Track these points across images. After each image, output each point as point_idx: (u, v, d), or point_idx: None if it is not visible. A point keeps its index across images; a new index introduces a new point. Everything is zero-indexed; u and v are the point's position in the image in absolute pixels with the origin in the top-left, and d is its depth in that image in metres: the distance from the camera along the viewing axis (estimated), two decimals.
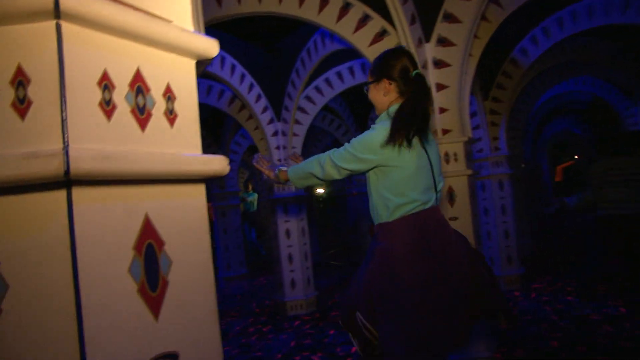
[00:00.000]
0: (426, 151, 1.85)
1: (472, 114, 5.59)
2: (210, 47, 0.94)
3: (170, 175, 0.82)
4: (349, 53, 5.49)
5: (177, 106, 0.89)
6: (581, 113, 10.73)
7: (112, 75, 0.76)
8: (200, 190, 0.91)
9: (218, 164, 0.91)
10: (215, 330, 0.86)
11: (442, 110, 3.18)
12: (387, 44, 3.33)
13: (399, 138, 1.74)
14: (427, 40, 3.27)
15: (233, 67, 5.37)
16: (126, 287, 0.72)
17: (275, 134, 5.77)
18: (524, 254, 6.23)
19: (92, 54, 0.73)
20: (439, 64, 3.19)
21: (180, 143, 0.88)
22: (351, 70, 6.01)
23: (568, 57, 6.26)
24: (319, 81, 5.95)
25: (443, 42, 3.22)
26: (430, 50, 3.20)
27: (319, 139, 11.12)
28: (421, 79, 1.86)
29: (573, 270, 4.54)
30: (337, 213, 13.11)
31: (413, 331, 1.70)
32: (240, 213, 9.00)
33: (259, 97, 5.66)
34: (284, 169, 2.08)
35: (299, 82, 5.42)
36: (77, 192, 0.67)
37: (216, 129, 8.60)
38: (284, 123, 5.76)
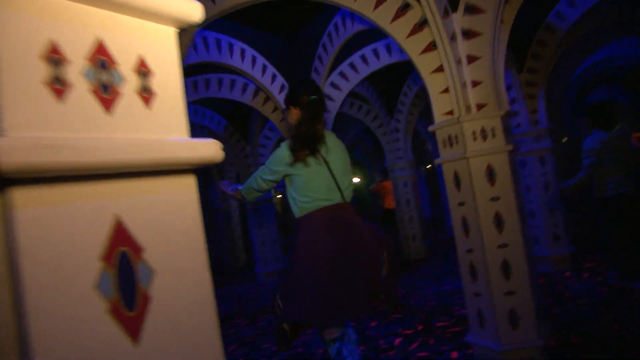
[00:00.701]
0: (325, 159, 2.29)
1: (507, 88, 5.28)
2: (192, 10, 0.78)
3: (146, 165, 0.67)
4: (373, 34, 5.27)
5: (155, 83, 0.75)
6: (626, 80, 10.08)
7: (64, 47, 0.62)
8: (188, 183, 0.76)
9: (207, 149, 0.75)
10: (216, 351, 0.71)
11: (475, 84, 2.94)
12: (410, 18, 3.11)
13: (299, 157, 2.25)
14: (454, 9, 3.03)
15: (254, 59, 5.25)
16: (93, 307, 0.58)
17: None
18: (572, 231, 5.87)
19: (32, 20, 0.60)
20: (468, 34, 2.95)
21: (159, 127, 0.74)
22: (375, 52, 5.78)
23: (609, 18, 5.82)
24: (344, 66, 5.75)
25: (471, 10, 2.97)
26: (458, 20, 2.96)
27: (350, 127, 10.93)
28: (314, 103, 2.30)
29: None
30: (375, 200, 12.90)
31: (308, 301, 2.12)
32: (274, 207, 8.95)
33: (282, 88, 5.52)
34: (239, 188, 2.59)
35: (322, 69, 5.25)
36: (18, 194, 0.54)
37: (244, 123, 8.54)
38: None
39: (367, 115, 8.39)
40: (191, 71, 6.09)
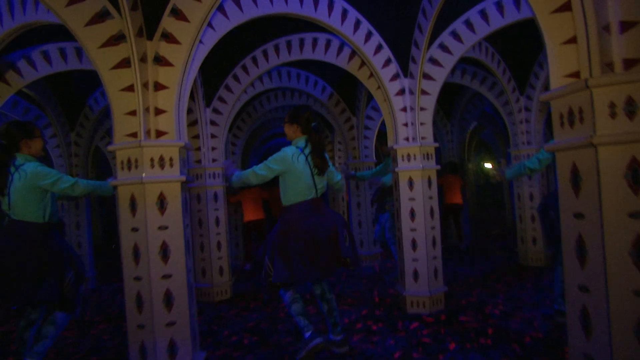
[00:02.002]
0: (310, 168, 3.26)
1: None
2: None
3: None
4: None
5: None
6: None
7: None
8: None
9: None
10: None
11: (627, 26, 1.83)
12: None
13: (316, 160, 3.29)
14: None
15: (345, 12, 4.46)
16: None
17: (401, 92, 4.73)
18: None
19: None
20: None
21: None
22: (500, 6, 4.57)
23: None
24: (457, 24, 4.66)
25: None
26: None
27: (476, 103, 9.52)
28: (316, 128, 3.35)
29: None
30: (497, 191, 11.34)
31: (293, 264, 3.11)
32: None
33: (379, 48, 4.66)
34: (236, 174, 3.44)
35: (426, 25, 4.26)
36: None
37: (351, 91, 7.82)
38: (412, 79, 4.68)
39: (492, 89, 7.07)
40: (283, 29, 5.53)
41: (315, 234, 3.12)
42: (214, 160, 6.06)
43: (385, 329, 4.17)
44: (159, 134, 3.06)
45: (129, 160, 3.02)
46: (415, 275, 4.67)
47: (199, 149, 6.01)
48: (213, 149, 6.06)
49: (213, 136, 6.06)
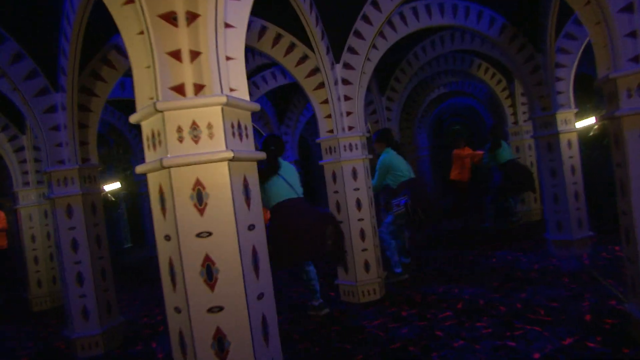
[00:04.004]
0: (283, 176, 4.28)
1: None
2: None
3: None
4: None
5: None
6: None
7: None
8: None
9: None
10: None
11: None
12: None
13: (267, 177, 4.30)
14: None
15: None
16: None
17: (628, 7, 2.78)
18: None
19: None
20: None
21: None
22: None
23: None
24: None
25: None
26: None
27: None
28: (274, 151, 4.33)
29: None
30: None
31: (280, 250, 3.88)
32: (580, 143, 5.96)
33: None
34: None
35: None
36: None
37: (532, 20, 5.70)
38: None
39: None
40: None
41: (297, 228, 4.10)
42: (350, 128, 4.88)
43: None
44: (198, 88, 1.93)
45: (152, 135, 1.98)
46: None
47: (329, 116, 4.88)
48: (348, 113, 4.86)
49: (346, 98, 4.85)
